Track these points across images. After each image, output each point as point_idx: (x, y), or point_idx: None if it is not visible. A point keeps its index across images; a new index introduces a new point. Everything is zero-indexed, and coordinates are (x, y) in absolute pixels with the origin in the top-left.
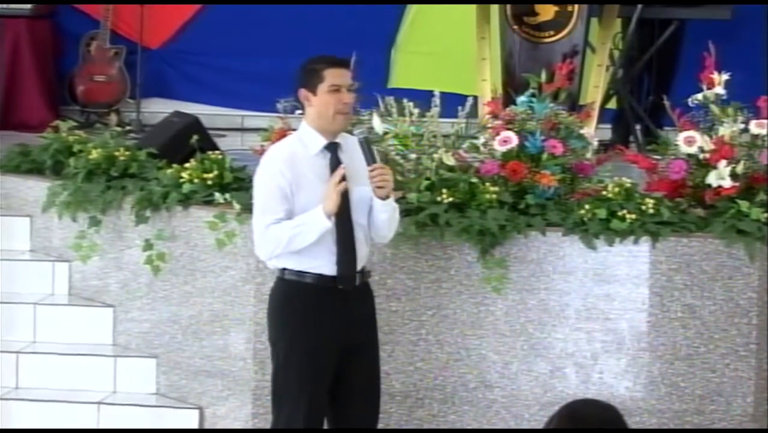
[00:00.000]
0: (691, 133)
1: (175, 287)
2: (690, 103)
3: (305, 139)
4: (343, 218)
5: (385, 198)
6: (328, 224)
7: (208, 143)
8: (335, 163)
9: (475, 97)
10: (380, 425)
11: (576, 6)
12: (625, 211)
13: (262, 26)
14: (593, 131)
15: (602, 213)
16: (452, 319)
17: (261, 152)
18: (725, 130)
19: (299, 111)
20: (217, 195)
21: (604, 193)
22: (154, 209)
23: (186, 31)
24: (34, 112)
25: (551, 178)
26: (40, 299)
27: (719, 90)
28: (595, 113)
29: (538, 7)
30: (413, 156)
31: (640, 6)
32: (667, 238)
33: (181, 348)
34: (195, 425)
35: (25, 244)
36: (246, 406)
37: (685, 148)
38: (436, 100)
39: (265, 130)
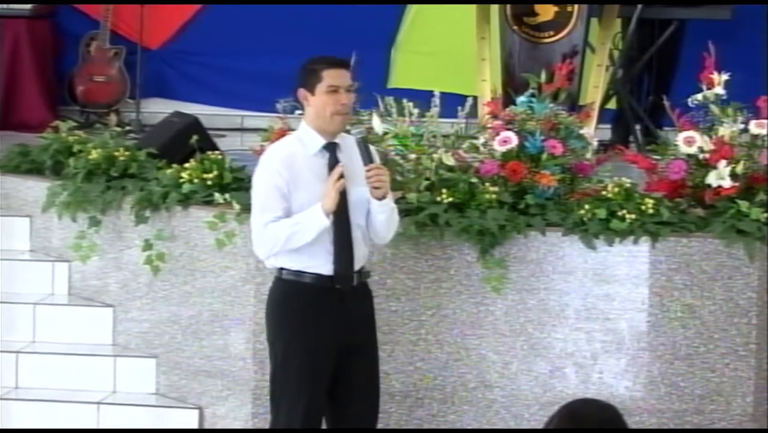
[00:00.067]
0: (691, 133)
1: (175, 287)
2: (690, 104)
3: (304, 139)
4: (340, 217)
5: (381, 198)
6: (327, 222)
7: (207, 143)
8: (334, 163)
9: (475, 98)
10: (380, 425)
11: (576, 6)
12: (624, 212)
13: (262, 26)
14: (593, 131)
15: (602, 213)
16: (452, 319)
17: (260, 152)
18: (725, 131)
19: (299, 111)
20: (217, 195)
21: (603, 193)
22: (153, 209)
23: (186, 31)
24: (33, 113)
25: (551, 179)
26: (40, 299)
27: (719, 90)
28: (595, 113)
29: (538, 8)
30: (413, 156)
31: (640, 6)
32: (667, 238)
33: (180, 348)
34: (195, 425)
35: (25, 244)
36: (246, 406)
37: (684, 149)
38: (436, 101)
39: (264, 130)
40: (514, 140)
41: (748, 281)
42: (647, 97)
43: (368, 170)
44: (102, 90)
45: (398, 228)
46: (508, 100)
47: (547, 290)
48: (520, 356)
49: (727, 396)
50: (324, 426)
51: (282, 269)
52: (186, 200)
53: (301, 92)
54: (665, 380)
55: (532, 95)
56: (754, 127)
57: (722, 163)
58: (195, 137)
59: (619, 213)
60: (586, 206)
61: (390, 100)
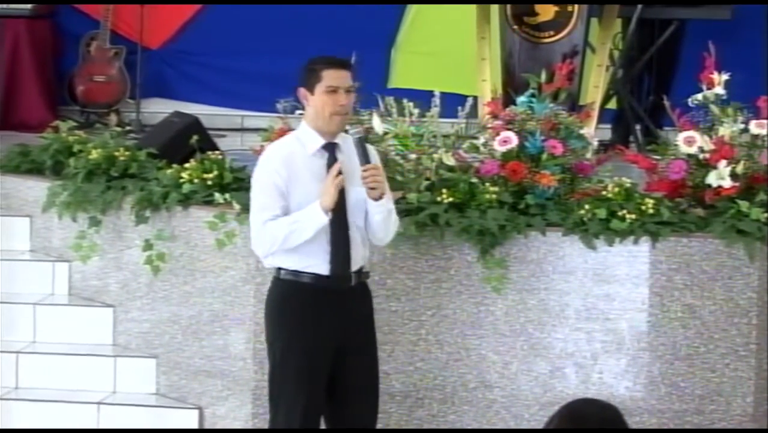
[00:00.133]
0: (691, 133)
1: (175, 287)
2: (690, 104)
3: (303, 139)
4: (338, 216)
5: (377, 199)
6: (325, 220)
7: (207, 143)
8: (332, 164)
9: (475, 98)
10: (380, 425)
11: (576, 6)
12: (624, 212)
13: (262, 26)
14: (593, 131)
15: (602, 213)
16: (452, 319)
17: (261, 152)
18: (725, 131)
19: (299, 111)
20: (217, 195)
21: (604, 193)
22: (154, 209)
23: (186, 31)
24: (33, 113)
25: (551, 179)
26: (40, 299)
27: (719, 90)
28: (595, 113)
29: (538, 7)
30: (413, 156)
31: (640, 6)
32: (667, 238)
33: (180, 348)
34: (195, 425)
35: (25, 244)
36: (246, 406)
37: (684, 149)
38: (436, 101)
39: (264, 130)
40: (514, 140)
41: (749, 281)
42: (647, 97)
43: (364, 170)
44: (102, 90)
45: (398, 228)
46: (508, 100)
47: (547, 290)
48: (520, 356)
49: (728, 396)
50: (323, 426)
51: (280, 268)
52: (186, 200)
53: (301, 92)
54: (665, 380)
55: (532, 95)
56: (754, 127)
57: (722, 163)
58: (195, 137)
59: (620, 213)
60: (587, 206)
61: (390, 100)
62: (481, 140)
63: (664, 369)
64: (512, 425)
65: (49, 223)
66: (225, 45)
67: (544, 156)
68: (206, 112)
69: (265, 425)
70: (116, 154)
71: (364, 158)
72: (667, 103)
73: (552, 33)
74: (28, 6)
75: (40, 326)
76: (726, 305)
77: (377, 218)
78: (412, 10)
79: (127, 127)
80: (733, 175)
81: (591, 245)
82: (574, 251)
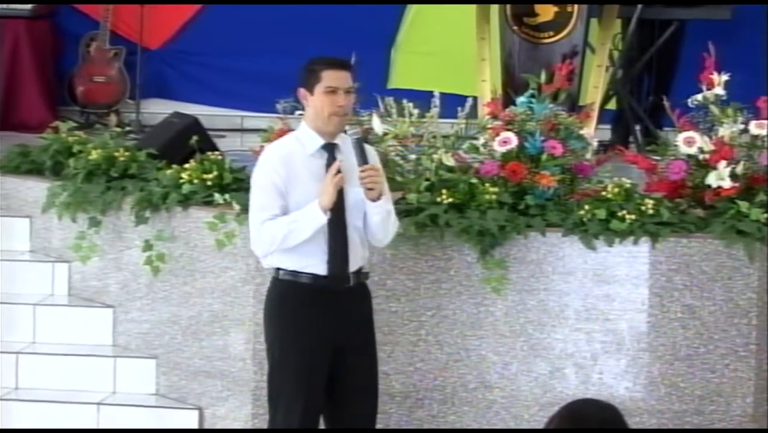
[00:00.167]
0: (691, 133)
1: (175, 287)
2: (690, 104)
3: (303, 139)
4: (336, 216)
5: (375, 199)
6: (324, 219)
7: (207, 144)
8: (331, 164)
9: (475, 98)
10: (380, 426)
11: (576, 6)
12: (624, 212)
13: (262, 26)
14: (593, 132)
15: (602, 213)
16: (452, 319)
17: (260, 153)
18: (725, 131)
19: (299, 111)
20: (217, 196)
21: (603, 193)
22: (153, 210)
23: (186, 32)
24: (33, 113)
25: (551, 179)
26: (40, 300)
27: (719, 90)
28: (595, 114)
29: (538, 8)
30: (413, 157)
31: (640, 6)
32: (667, 238)
33: (180, 349)
34: (195, 426)
35: (25, 244)
36: (245, 406)
37: (684, 149)
38: (436, 101)
39: (264, 130)
40: (513, 141)
41: (748, 282)
42: (647, 97)
43: (362, 171)
44: (102, 90)
45: (398, 229)
46: (508, 101)
47: (547, 290)
48: (520, 357)
49: (727, 397)
50: (322, 426)
51: (279, 269)
52: (186, 201)
53: (301, 92)
54: (665, 380)
55: (532, 96)
56: (754, 127)
57: (722, 163)
58: (195, 138)
59: (619, 213)
60: (586, 207)
61: (390, 100)
62: (481, 141)
63: (664, 370)
64: (512, 426)
65: (48, 223)
66: (225, 45)
67: (544, 157)
68: (206, 113)
69: (265, 426)
70: (116, 154)
71: (362, 159)
72: (666, 103)
73: (552, 33)
74: (28, 6)
75: (39, 327)
76: (726, 305)
77: (376, 219)
78: (412, 10)
79: (127, 128)
80: (733, 176)
81: (591, 245)
82: (573, 252)
